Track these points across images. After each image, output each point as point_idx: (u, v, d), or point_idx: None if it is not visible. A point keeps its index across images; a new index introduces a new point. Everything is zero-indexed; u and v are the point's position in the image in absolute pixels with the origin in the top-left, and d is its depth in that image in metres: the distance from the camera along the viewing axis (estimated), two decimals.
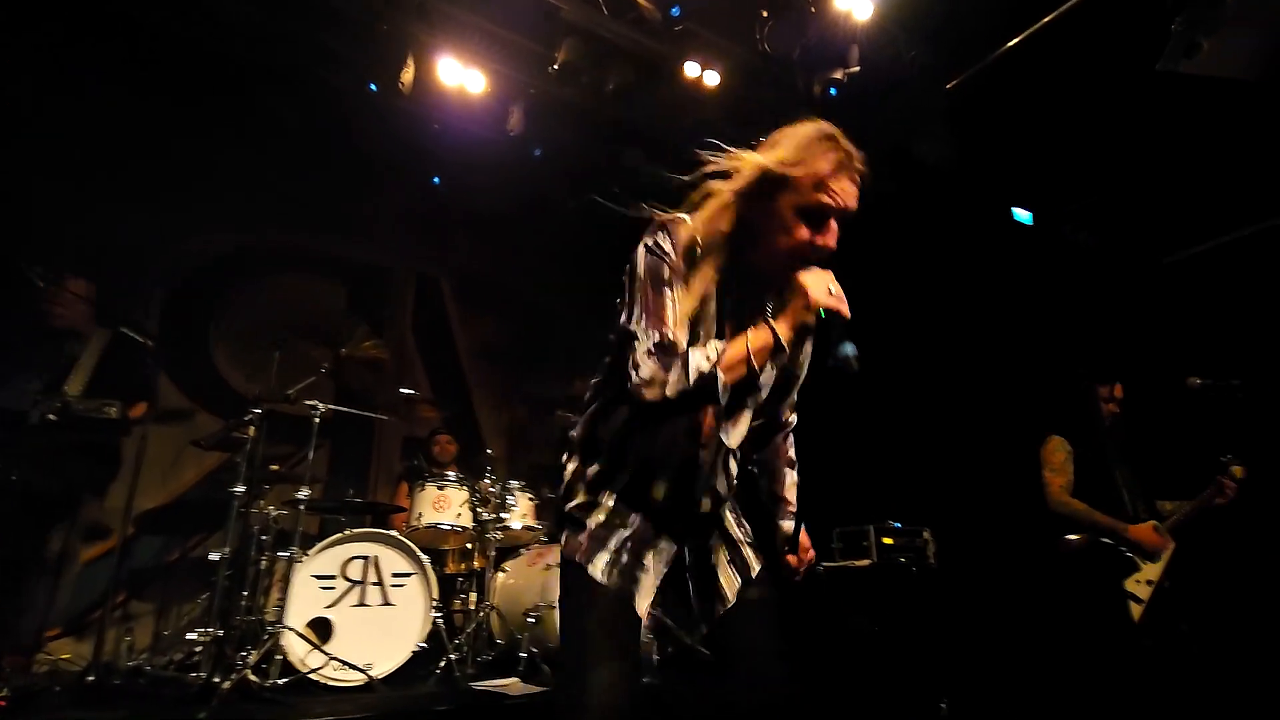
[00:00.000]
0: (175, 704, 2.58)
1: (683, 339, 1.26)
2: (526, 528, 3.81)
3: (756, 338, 1.22)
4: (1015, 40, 3.78)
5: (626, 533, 1.33)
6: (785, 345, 1.21)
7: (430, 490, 3.71)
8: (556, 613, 3.31)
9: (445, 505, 3.69)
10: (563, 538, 1.38)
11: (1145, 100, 3.50)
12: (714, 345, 1.24)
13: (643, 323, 1.25)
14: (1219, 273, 3.56)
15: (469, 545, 3.81)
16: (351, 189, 5.01)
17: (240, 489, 3.10)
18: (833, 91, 4.06)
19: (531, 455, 5.54)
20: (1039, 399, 3.41)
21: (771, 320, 1.23)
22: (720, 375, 1.19)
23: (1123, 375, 3.11)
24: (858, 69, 3.97)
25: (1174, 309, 3.65)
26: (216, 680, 2.58)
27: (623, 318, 1.31)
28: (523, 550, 3.92)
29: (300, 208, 4.95)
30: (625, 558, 1.31)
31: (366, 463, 5.06)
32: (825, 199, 1.25)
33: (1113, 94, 3.61)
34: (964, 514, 3.75)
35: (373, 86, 4.35)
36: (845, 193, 1.27)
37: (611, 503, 1.35)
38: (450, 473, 3.84)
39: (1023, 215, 4.34)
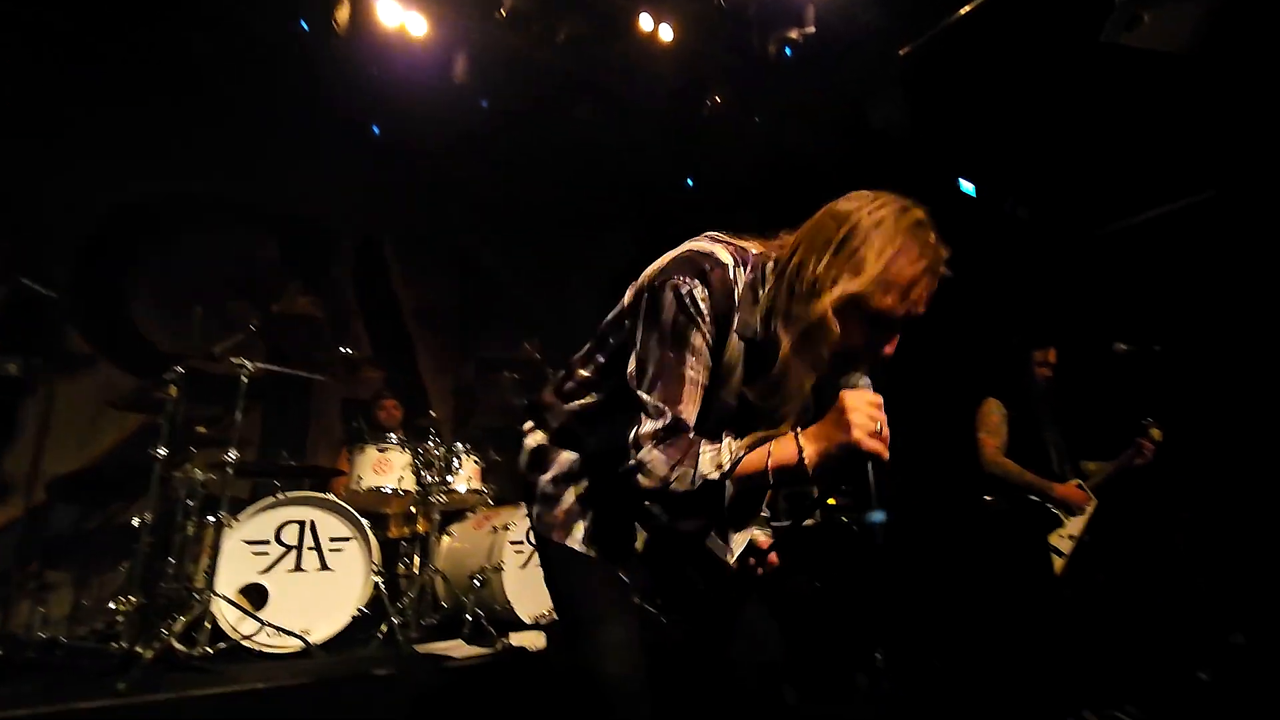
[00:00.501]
0: (93, 676, 2.42)
1: (693, 415, 1.11)
2: (472, 491, 3.73)
3: (779, 453, 1.07)
4: (966, 9, 3.79)
5: (605, 508, 1.25)
6: (809, 471, 1.05)
7: (371, 453, 3.59)
8: (503, 575, 3.29)
9: (387, 468, 3.58)
10: (533, 512, 1.29)
11: (1084, 75, 3.58)
12: (729, 448, 1.09)
13: (654, 392, 1.10)
14: (1147, 245, 3.71)
15: (412, 509, 3.71)
16: (282, 138, 4.68)
17: (162, 452, 2.92)
18: (788, 51, 4.00)
19: (477, 418, 5.43)
20: (976, 363, 3.51)
21: (800, 436, 1.07)
22: (729, 488, 1.06)
23: (1055, 340, 3.22)
24: (813, 29, 3.92)
25: (1105, 278, 3.80)
26: (139, 650, 2.44)
27: (631, 363, 1.14)
28: (468, 513, 3.85)
29: (227, 157, 4.60)
30: (604, 528, 1.25)
31: (304, 426, 4.85)
32: (901, 309, 1.09)
33: (1053, 69, 3.67)
34: (903, 473, 3.87)
35: (304, 25, 4.04)
36: (921, 300, 1.10)
37: (588, 484, 1.26)
38: (392, 435, 3.72)
39: (967, 187, 4.41)
